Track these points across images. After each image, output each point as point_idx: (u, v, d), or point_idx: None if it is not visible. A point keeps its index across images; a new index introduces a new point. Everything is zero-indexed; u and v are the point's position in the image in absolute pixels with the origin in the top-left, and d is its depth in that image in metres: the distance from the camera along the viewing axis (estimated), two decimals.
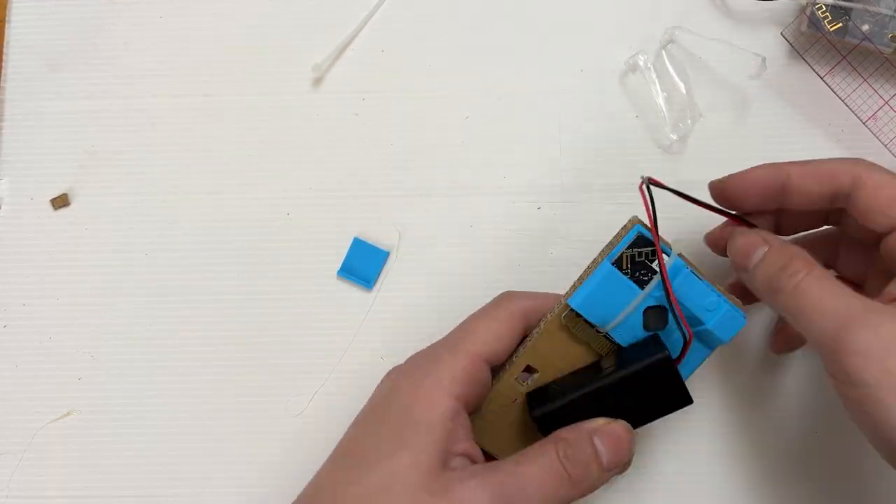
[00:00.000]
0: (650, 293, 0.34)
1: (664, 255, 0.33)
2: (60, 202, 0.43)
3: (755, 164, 0.35)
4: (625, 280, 0.33)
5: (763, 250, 0.33)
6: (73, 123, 0.44)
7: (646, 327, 0.34)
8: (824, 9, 0.40)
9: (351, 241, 0.42)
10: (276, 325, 0.42)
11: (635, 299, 0.34)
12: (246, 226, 0.43)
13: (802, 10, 0.40)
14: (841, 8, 0.39)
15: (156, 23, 0.44)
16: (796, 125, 0.42)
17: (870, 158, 0.41)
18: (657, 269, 0.33)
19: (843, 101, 0.41)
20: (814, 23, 0.40)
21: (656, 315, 0.34)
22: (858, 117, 0.41)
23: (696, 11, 0.43)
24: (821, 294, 0.30)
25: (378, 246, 0.42)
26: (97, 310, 0.42)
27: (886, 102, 0.41)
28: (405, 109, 0.43)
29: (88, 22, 0.44)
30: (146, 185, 0.43)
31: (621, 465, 0.32)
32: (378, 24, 0.44)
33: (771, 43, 0.42)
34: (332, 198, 0.43)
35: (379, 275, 0.42)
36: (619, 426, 0.33)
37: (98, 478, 0.41)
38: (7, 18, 0.44)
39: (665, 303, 0.33)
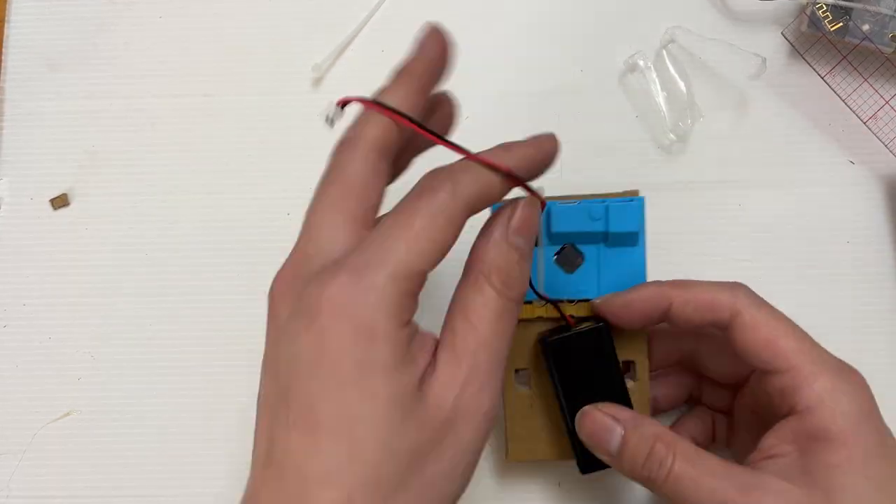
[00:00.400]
0: (545, 245, 0.34)
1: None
2: (60, 202, 0.43)
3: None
4: None
5: (618, 434, 0.31)
6: (73, 123, 0.44)
7: (568, 271, 0.35)
8: (825, 8, 0.40)
9: None
10: None
11: (539, 256, 0.34)
12: (246, 226, 0.43)
13: (803, 9, 0.40)
14: (841, 8, 0.39)
15: (156, 23, 0.44)
16: (796, 125, 0.42)
17: (870, 158, 0.42)
18: None
19: (843, 101, 0.41)
20: (814, 22, 0.40)
21: (566, 254, 0.35)
22: (859, 117, 0.41)
23: (696, 11, 0.43)
24: (697, 477, 0.29)
25: None
26: (97, 310, 0.42)
27: (887, 102, 0.41)
28: None
29: (88, 22, 0.44)
30: (146, 185, 0.43)
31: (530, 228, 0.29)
32: (378, 24, 0.44)
33: (771, 43, 0.42)
34: None
35: None
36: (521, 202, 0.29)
37: (98, 478, 0.41)
38: (7, 18, 0.44)
39: (565, 241, 0.35)
